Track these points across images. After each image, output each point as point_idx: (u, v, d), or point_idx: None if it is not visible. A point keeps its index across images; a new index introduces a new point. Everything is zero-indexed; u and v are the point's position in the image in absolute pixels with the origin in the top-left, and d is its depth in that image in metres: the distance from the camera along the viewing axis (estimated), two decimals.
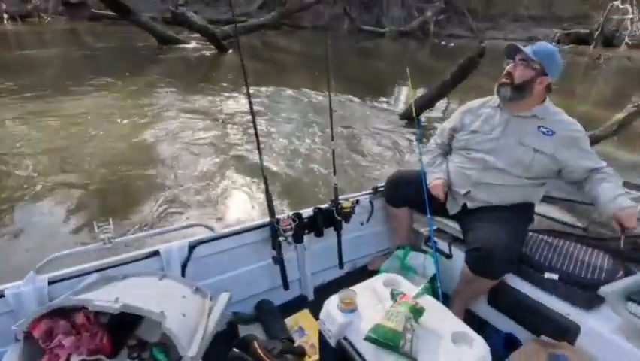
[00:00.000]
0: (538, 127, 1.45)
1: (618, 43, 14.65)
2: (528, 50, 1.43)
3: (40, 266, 1.16)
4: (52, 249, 1.27)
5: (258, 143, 1.52)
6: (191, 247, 1.40)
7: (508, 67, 1.47)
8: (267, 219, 1.55)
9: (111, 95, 5.63)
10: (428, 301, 1.16)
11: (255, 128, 1.53)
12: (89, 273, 1.21)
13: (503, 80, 1.47)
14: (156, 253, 1.34)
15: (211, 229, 1.48)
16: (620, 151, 4.70)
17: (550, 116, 1.46)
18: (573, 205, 1.80)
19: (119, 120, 4.63)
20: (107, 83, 6.20)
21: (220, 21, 11.66)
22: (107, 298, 0.98)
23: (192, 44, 10.24)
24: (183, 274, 1.38)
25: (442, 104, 6.41)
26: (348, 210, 1.68)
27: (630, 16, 14.42)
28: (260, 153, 1.51)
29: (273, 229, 1.52)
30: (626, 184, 1.85)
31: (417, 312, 1.06)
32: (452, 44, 14.21)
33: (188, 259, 1.39)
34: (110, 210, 2.85)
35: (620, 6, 14.34)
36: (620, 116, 4.29)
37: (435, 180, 1.63)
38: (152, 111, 5.04)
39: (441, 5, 16.24)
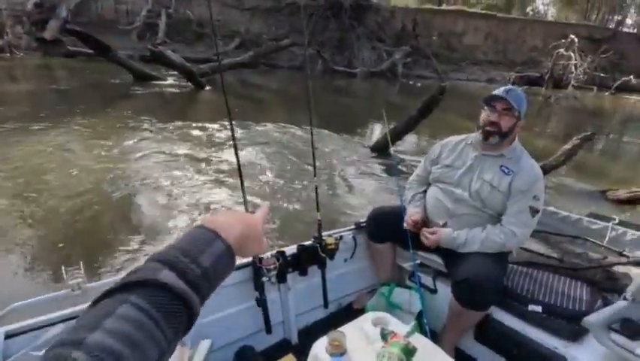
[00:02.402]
0: (501, 166, 1.53)
1: (566, 84, 16.24)
2: (510, 99, 1.46)
3: None
4: (11, 298, 1.13)
5: (241, 178, 1.48)
6: None
7: (492, 117, 1.49)
8: (249, 258, 1.49)
9: (81, 131, 5.44)
10: (419, 340, 1.13)
11: (239, 163, 1.49)
12: (54, 324, 1.08)
13: (491, 128, 1.50)
14: None
15: None
16: (570, 179, 5.15)
17: (515, 157, 1.54)
18: (546, 237, 1.88)
19: (89, 157, 4.45)
20: (78, 118, 6.02)
21: (198, 60, 11.86)
22: None
23: (169, 81, 10.29)
24: None
25: (414, 139, 6.72)
26: (333, 246, 1.65)
27: (574, 62, 16.16)
28: (243, 190, 1.48)
29: (256, 268, 1.46)
30: (590, 215, 1.97)
31: (409, 352, 1.03)
32: (419, 84, 15.15)
33: None
34: (80, 252, 2.63)
35: (564, 53, 16.07)
36: (567, 147, 4.75)
37: (409, 217, 1.66)
38: (125, 147, 4.90)
39: (407, 49, 17.52)
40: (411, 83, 15.68)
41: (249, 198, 1.56)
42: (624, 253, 1.67)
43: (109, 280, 1.27)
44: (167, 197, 3.59)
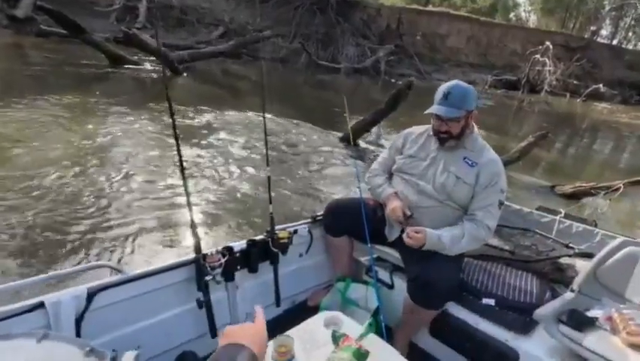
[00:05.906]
0: (464, 158, 1.50)
1: (540, 89, 16.74)
2: (452, 110, 1.42)
3: None
4: None
5: (182, 166, 1.36)
6: (91, 295, 1.13)
7: (441, 127, 1.48)
8: (192, 255, 1.36)
9: (46, 112, 5.08)
10: (372, 342, 1.07)
11: (178, 148, 1.36)
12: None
13: (444, 135, 1.49)
14: (40, 306, 1.05)
15: (119, 270, 1.25)
16: (524, 175, 5.39)
17: (477, 150, 1.52)
18: (499, 229, 1.89)
19: (51, 140, 4.12)
20: (44, 99, 5.64)
21: (179, 46, 11.51)
22: None
23: (146, 66, 9.91)
24: (79, 331, 1.11)
25: (389, 132, 6.74)
26: (285, 240, 1.57)
27: (548, 68, 16.66)
28: (184, 179, 1.35)
29: (199, 266, 1.34)
30: (539, 208, 2.02)
31: (361, 356, 0.96)
32: (401, 82, 15.25)
33: (85, 310, 1.12)
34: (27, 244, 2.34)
35: (540, 59, 16.54)
36: (522, 144, 4.98)
37: (393, 203, 1.56)
38: (89, 130, 4.62)
39: (391, 48, 17.57)
40: (393, 80, 15.75)
41: (196, 191, 1.45)
42: (570, 245, 1.73)
43: (14, 284, 1.09)
44: (101, 183, 3.35)
